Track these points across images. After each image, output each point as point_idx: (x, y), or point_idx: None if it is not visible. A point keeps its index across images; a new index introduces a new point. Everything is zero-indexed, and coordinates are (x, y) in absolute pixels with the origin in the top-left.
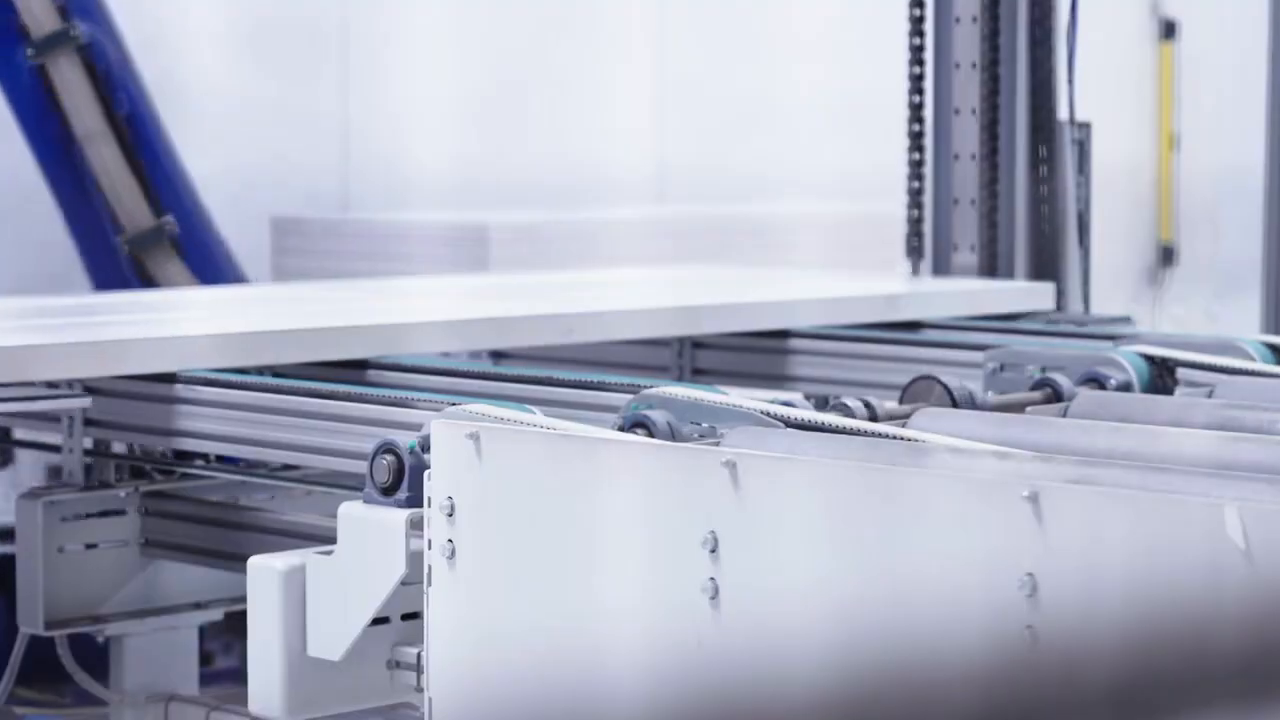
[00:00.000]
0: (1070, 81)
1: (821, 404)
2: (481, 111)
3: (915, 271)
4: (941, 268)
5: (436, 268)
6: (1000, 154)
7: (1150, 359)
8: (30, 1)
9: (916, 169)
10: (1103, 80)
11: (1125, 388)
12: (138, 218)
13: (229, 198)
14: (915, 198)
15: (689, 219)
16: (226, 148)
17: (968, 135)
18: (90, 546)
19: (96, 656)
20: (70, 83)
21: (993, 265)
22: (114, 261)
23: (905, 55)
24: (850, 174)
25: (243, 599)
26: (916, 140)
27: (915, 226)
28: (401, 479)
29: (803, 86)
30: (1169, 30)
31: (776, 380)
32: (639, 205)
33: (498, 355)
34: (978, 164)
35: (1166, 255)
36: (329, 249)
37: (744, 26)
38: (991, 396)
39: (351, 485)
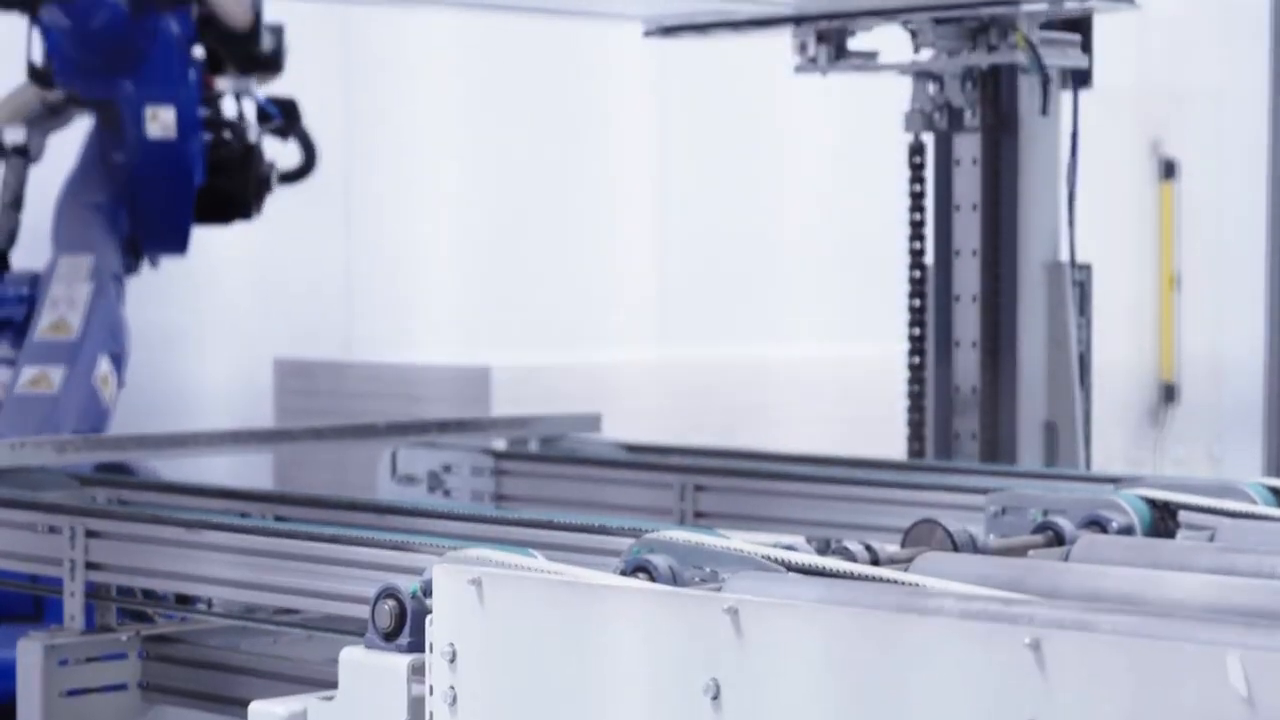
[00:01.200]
0: (1070, 224)
1: (823, 547)
2: (483, 253)
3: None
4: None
5: (439, 409)
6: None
7: (1152, 502)
8: None
9: (918, 315)
10: (1104, 220)
11: (1127, 531)
12: None
13: (233, 339)
14: (917, 344)
15: (689, 362)
16: (229, 289)
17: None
18: (90, 691)
19: None
20: None
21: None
22: None
23: (905, 200)
24: (850, 316)
25: None
26: (918, 286)
27: (916, 372)
28: (404, 624)
29: (803, 229)
30: (1169, 170)
31: (778, 522)
32: (641, 346)
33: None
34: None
35: (1168, 394)
36: (332, 390)
37: (745, 170)
38: (993, 540)
39: (353, 630)
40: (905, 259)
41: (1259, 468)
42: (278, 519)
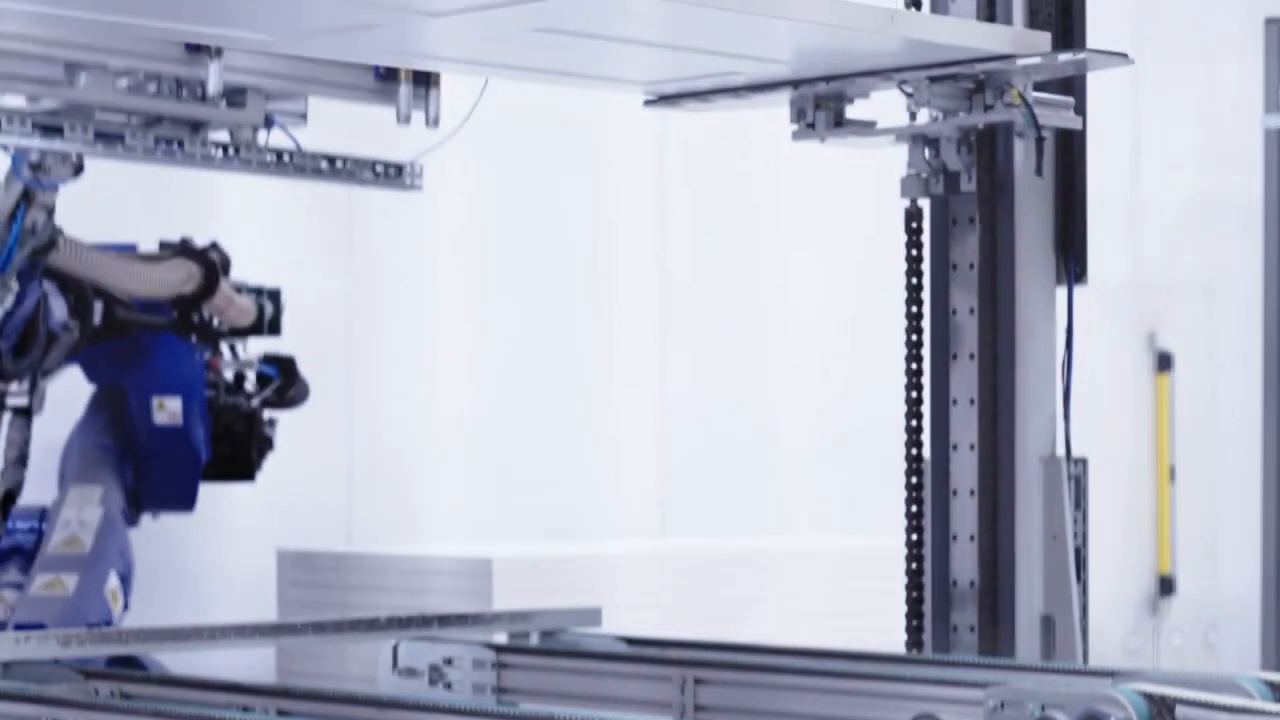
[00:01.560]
0: (1066, 417)
1: None
2: (486, 443)
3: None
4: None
5: (441, 601)
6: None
7: (1149, 697)
8: None
9: (916, 508)
10: (1100, 413)
11: None
12: None
13: (235, 529)
14: (914, 551)
15: (690, 553)
16: (229, 486)
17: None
18: None
19: None
20: None
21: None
22: None
23: (903, 394)
24: (851, 507)
25: None
26: (915, 479)
27: (914, 564)
28: None
29: (803, 421)
30: (1165, 362)
31: (779, 716)
32: (642, 536)
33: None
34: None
35: (1165, 586)
36: (334, 582)
37: (745, 359)
38: None
39: None
40: (903, 450)
41: (1256, 658)
42: (280, 713)
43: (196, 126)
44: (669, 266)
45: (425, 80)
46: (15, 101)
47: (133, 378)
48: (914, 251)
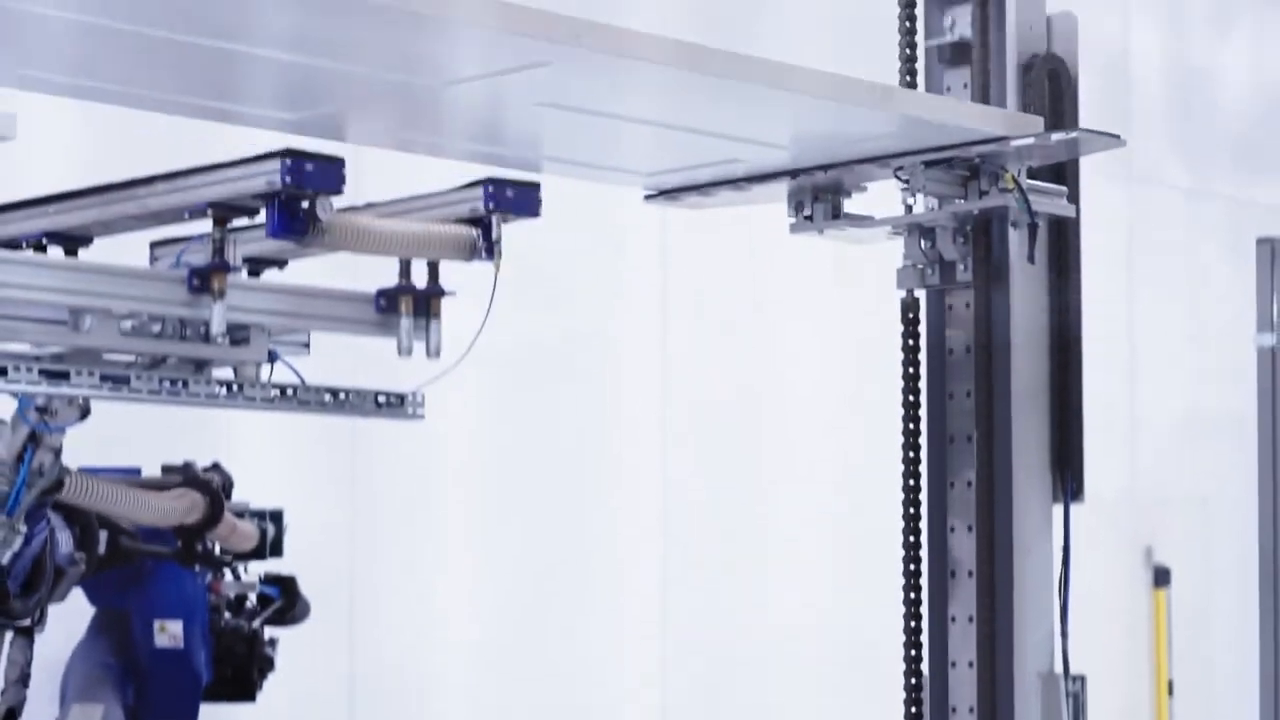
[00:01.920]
0: (1064, 634)
1: None
2: (488, 664)
3: None
4: None
5: None
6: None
7: None
8: None
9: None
10: (1097, 628)
11: None
12: None
13: None
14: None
15: None
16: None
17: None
18: None
19: None
20: None
21: None
22: None
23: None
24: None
25: None
26: (914, 696)
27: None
28: None
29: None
30: (1162, 577)
31: None
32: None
33: None
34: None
35: None
36: None
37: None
38: None
39: None
40: (903, 667)
41: None
42: None
43: (200, 365)
44: (670, 509)
45: (426, 311)
46: (20, 347)
47: (135, 601)
48: (910, 341)
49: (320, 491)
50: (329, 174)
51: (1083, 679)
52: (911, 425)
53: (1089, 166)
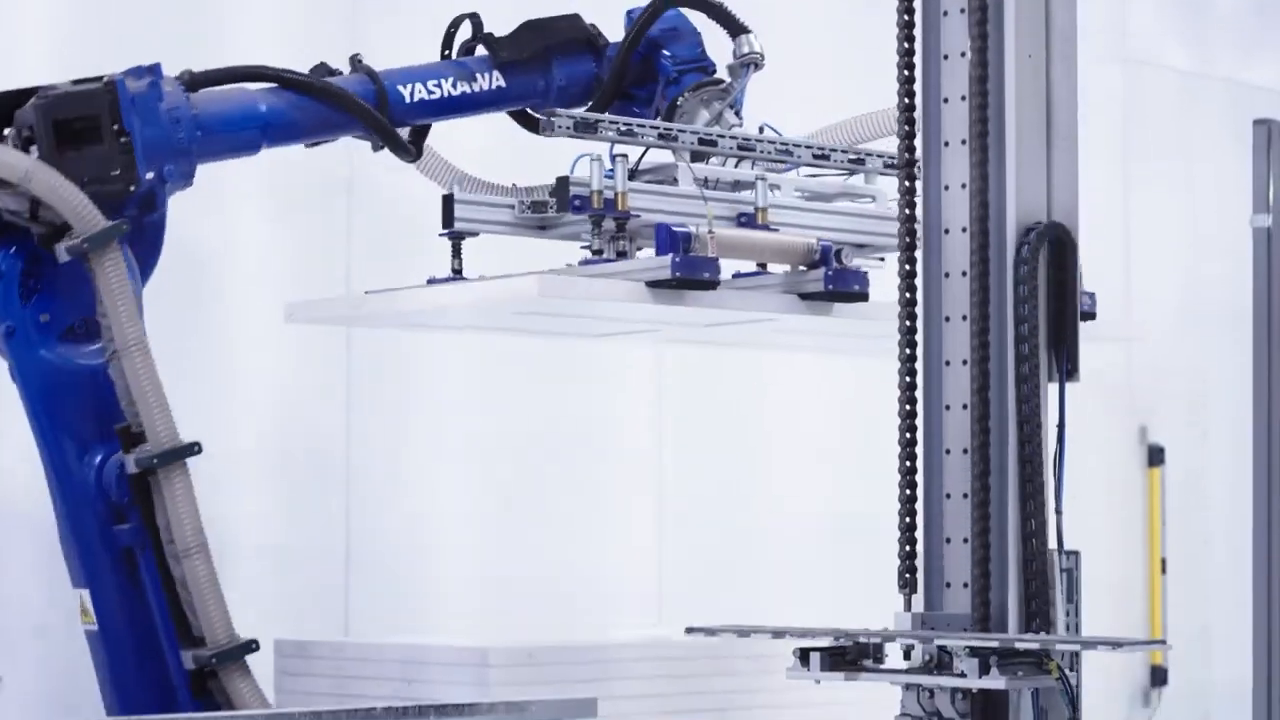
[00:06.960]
0: (1058, 511)
1: None
2: (483, 534)
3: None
4: None
5: (438, 690)
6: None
7: None
8: None
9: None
10: (1093, 506)
11: None
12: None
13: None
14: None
15: (687, 644)
16: (228, 574)
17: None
18: None
19: None
20: None
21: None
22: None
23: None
24: (845, 594)
25: None
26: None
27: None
28: None
29: (799, 511)
30: (1157, 456)
31: None
32: (639, 627)
33: None
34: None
35: (1158, 676)
36: (331, 672)
37: (742, 450)
38: None
39: None
40: None
41: None
42: None
43: None
44: (665, 387)
45: None
46: None
47: None
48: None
49: (318, 353)
50: None
51: (1077, 555)
52: (908, 298)
53: (1085, 47)
